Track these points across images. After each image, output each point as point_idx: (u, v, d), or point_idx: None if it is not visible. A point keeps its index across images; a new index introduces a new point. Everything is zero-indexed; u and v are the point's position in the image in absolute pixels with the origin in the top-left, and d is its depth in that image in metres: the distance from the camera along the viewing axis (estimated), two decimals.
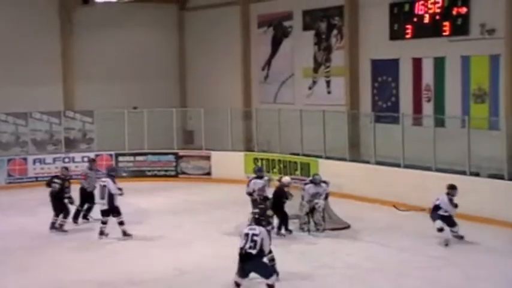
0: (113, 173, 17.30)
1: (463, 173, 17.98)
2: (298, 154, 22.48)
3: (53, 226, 17.27)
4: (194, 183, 24.11)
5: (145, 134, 25.20)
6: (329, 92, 23.95)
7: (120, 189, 16.69)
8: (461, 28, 19.27)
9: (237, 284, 11.74)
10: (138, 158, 25.22)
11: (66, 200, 17.37)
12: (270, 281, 11.68)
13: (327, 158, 21.47)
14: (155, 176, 25.07)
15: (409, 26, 20.62)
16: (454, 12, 19.40)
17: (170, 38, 29.50)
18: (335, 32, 23.52)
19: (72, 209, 17.62)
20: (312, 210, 16.74)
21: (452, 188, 15.55)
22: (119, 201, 16.69)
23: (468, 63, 19.36)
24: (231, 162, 24.03)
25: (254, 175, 17.67)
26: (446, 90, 20.03)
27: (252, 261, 11.62)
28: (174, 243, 16.13)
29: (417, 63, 20.75)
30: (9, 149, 24.95)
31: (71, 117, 26.08)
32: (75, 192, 17.94)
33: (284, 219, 16.49)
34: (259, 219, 12.11)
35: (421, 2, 20.20)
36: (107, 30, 27.57)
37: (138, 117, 25.53)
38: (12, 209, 19.95)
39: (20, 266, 14.49)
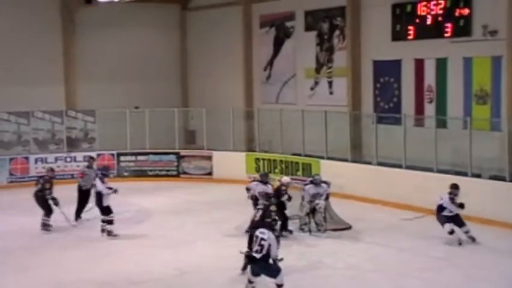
0: (104, 172, 17.38)
1: (465, 174, 17.94)
2: (299, 155, 22.45)
3: (44, 227, 17.41)
4: (195, 183, 24.10)
5: (147, 133, 25.18)
6: (331, 93, 23.94)
7: (110, 188, 16.69)
8: (463, 29, 19.24)
9: (250, 281, 11.97)
10: (140, 157, 25.19)
11: (50, 201, 17.43)
12: (277, 281, 11.79)
13: (329, 158, 21.42)
14: (157, 175, 25.05)
15: (411, 27, 20.59)
16: (457, 14, 19.37)
17: (172, 38, 29.49)
18: (337, 32, 23.49)
19: (57, 210, 17.60)
20: (313, 211, 16.73)
21: (454, 188, 15.53)
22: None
23: (470, 65, 19.33)
24: (232, 163, 24.00)
25: (257, 177, 17.57)
26: (448, 91, 20.01)
27: (257, 264, 11.83)
28: (175, 243, 16.11)
29: (419, 64, 20.73)
30: (11, 148, 24.95)
31: (72, 116, 26.08)
32: (70, 191, 18.00)
33: (284, 221, 16.44)
34: (271, 223, 12.16)
35: (424, 3, 20.18)
36: (109, 29, 27.57)
37: (140, 116, 25.52)
38: (12, 209, 19.95)
39: (20, 266, 14.47)
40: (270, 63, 26.35)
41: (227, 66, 27.69)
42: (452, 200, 15.41)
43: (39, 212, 17.58)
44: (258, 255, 11.71)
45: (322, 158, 21.55)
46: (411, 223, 17.29)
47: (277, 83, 26.03)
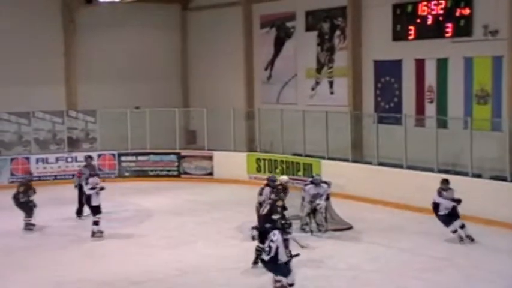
0: (92, 172, 17.56)
1: (466, 174, 17.93)
2: (300, 155, 22.44)
3: (26, 226, 17.59)
4: (196, 183, 24.08)
5: (147, 133, 25.17)
6: (332, 93, 23.92)
7: (93, 188, 16.77)
8: (464, 29, 19.22)
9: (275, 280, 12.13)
10: (141, 157, 25.18)
11: (30, 204, 17.62)
12: (289, 280, 11.86)
13: (330, 158, 21.40)
14: (157, 176, 25.04)
15: (412, 27, 20.58)
16: (457, 14, 19.36)
17: (173, 38, 29.48)
18: (338, 32, 23.48)
19: (35, 212, 17.76)
20: (313, 212, 16.72)
21: (442, 183, 15.60)
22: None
23: (471, 65, 19.31)
24: (233, 163, 23.99)
25: (258, 177, 17.56)
26: (449, 91, 19.99)
27: (266, 265, 11.96)
28: (176, 243, 16.11)
29: (420, 64, 20.71)
30: (12, 148, 24.98)
31: (73, 116, 26.09)
32: (72, 191, 18.04)
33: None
34: (283, 225, 12.18)
35: (424, 3, 20.17)
36: (109, 30, 27.56)
37: (141, 117, 25.51)
38: (13, 209, 19.90)
39: (20, 266, 14.48)
40: (271, 63, 26.33)
41: (228, 66, 27.67)
42: (440, 193, 15.43)
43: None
44: (266, 257, 11.79)
45: (323, 158, 21.53)
46: (411, 223, 17.29)
47: (278, 83, 26.02)
